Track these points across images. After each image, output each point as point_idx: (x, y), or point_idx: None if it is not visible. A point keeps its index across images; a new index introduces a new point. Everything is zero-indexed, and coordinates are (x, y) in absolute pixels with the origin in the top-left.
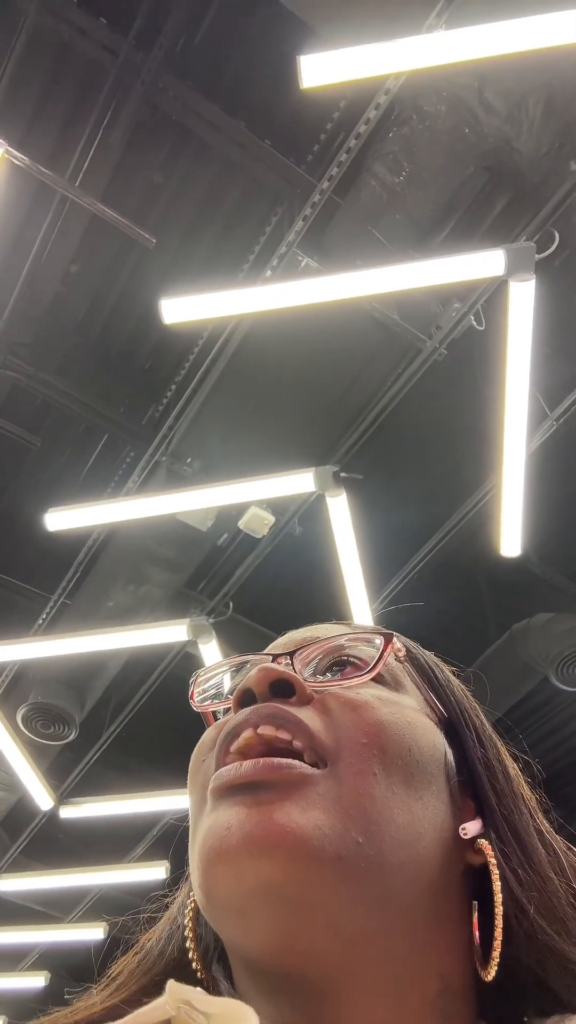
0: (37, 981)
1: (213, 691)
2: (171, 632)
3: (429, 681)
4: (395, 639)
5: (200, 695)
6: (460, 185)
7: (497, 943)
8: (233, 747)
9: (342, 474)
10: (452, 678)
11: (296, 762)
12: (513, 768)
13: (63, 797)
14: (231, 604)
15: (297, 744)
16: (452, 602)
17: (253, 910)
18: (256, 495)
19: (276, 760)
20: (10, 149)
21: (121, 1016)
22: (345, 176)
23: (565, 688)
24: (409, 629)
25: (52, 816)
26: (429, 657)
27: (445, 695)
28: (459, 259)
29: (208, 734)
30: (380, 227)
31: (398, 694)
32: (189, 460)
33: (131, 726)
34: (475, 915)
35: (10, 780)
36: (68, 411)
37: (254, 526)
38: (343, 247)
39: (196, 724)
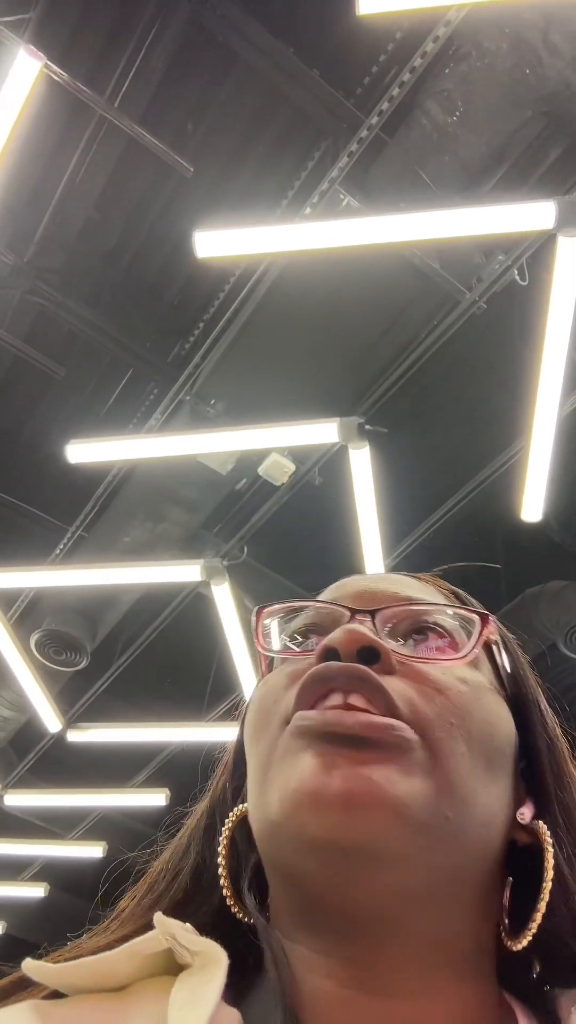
0: (37, 891)
1: (272, 628)
2: (185, 571)
3: (505, 657)
4: (491, 622)
5: (263, 633)
6: (515, 130)
7: (539, 915)
8: (326, 703)
9: (367, 426)
10: (522, 655)
11: (399, 723)
12: (566, 747)
13: (71, 721)
14: (246, 549)
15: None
16: (466, 561)
17: (335, 860)
18: (278, 442)
19: (379, 719)
20: (49, 63)
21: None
22: (395, 112)
23: (573, 656)
24: None
25: (59, 739)
26: (504, 631)
27: (519, 675)
28: (507, 208)
29: (277, 680)
30: (427, 169)
31: (477, 672)
32: (213, 401)
33: (140, 659)
34: (507, 889)
35: (21, 702)
36: (94, 342)
37: (274, 473)
38: (387, 188)
39: (202, 662)
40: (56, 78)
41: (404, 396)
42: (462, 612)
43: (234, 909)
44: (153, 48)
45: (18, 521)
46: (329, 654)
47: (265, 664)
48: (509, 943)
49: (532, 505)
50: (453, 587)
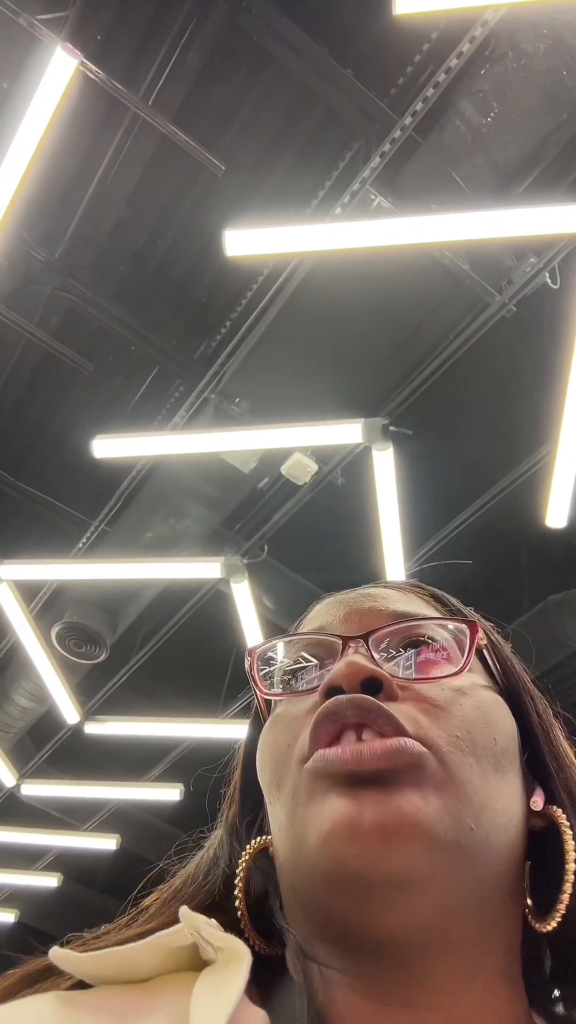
0: (50, 881)
1: (267, 666)
2: (205, 568)
3: (493, 654)
4: (479, 629)
5: (261, 671)
6: (550, 132)
7: (566, 896)
8: (341, 742)
9: (391, 428)
10: (505, 644)
11: (408, 741)
12: (560, 730)
13: (89, 713)
14: (266, 547)
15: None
16: (488, 568)
17: (377, 892)
18: (301, 441)
19: (391, 742)
20: (85, 61)
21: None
22: (429, 113)
23: None
24: (440, 589)
25: (77, 730)
26: (485, 624)
27: (507, 667)
28: (540, 211)
29: (285, 724)
30: (460, 170)
31: (471, 674)
32: (238, 400)
33: (159, 654)
34: (527, 873)
35: (40, 692)
36: (122, 339)
37: (296, 472)
38: (419, 189)
39: (219, 659)
40: (92, 76)
41: (430, 398)
42: (450, 623)
43: (251, 942)
44: (188, 47)
45: (43, 514)
46: (333, 691)
47: (264, 705)
48: (537, 925)
49: (557, 512)
50: (433, 590)
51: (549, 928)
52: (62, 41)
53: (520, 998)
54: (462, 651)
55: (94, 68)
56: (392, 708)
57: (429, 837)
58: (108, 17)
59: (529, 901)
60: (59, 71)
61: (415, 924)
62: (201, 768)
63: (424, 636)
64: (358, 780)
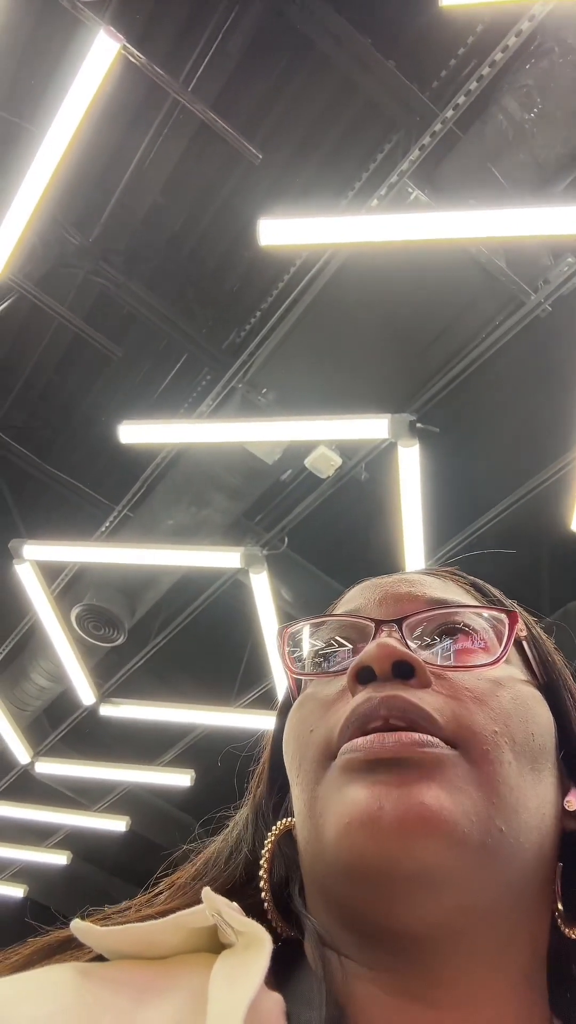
0: (60, 859)
1: (296, 647)
2: (225, 558)
3: (533, 647)
4: (519, 619)
5: (292, 651)
6: None
7: None
8: (368, 726)
9: (418, 424)
10: (548, 640)
11: (435, 739)
12: None
13: (105, 695)
14: (286, 540)
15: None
16: (509, 572)
17: (395, 887)
18: (327, 435)
19: (417, 736)
20: (127, 45)
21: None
22: (471, 107)
23: None
24: None
25: (92, 711)
26: (528, 618)
27: (548, 661)
28: None
29: (311, 706)
30: (500, 166)
31: (509, 666)
32: (265, 391)
33: (176, 640)
34: (559, 875)
35: (58, 672)
36: (152, 326)
37: (320, 465)
38: (457, 183)
39: (235, 648)
40: (133, 60)
41: (459, 396)
42: (487, 611)
43: (274, 924)
44: (230, 34)
45: (67, 497)
46: (363, 672)
47: (294, 685)
48: (567, 930)
49: None
50: (472, 579)
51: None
52: (105, 24)
53: (543, 1005)
54: (500, 641)
55: (136, 52)
56: (425, 698)
57: (452, 835)
58: (150, 2)
59: (560, 906)
60: (101, 54)
61: (435, 921)
62: (217, 755)
63: (461, 624)
64: (379, 767)
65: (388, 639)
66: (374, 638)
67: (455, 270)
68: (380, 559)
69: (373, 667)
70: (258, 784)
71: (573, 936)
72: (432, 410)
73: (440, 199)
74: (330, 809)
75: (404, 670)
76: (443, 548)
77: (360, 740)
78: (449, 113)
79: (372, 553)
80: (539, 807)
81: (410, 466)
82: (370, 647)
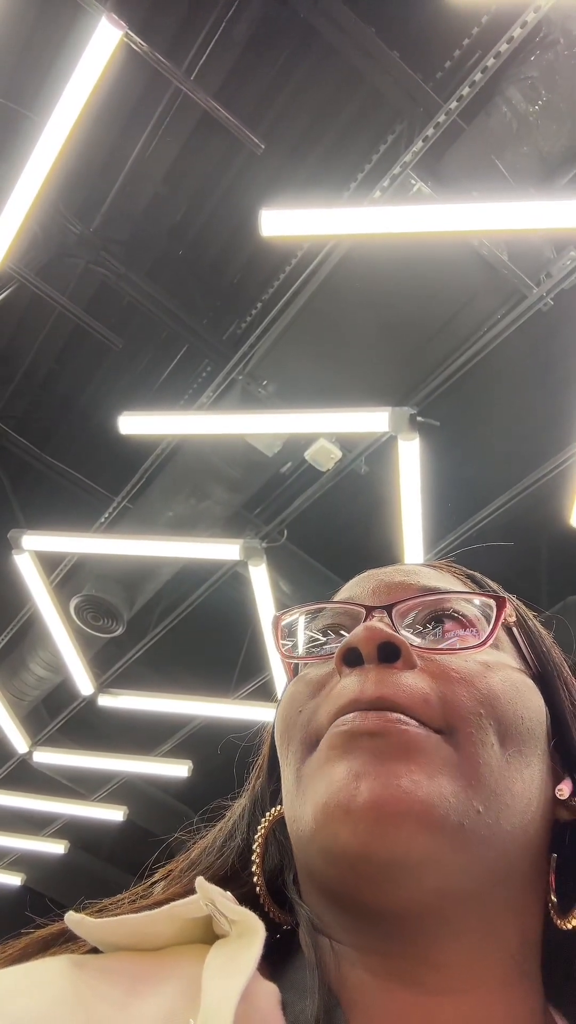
0: (57, 848)
1: (290, 634)
2: (224, 550)
3: (525, 636)
4: (507, 605)
5: (284, 639)
6: None
7: None
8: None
9: (419, 418)
10: (542, 628)
11: (415, 720)
12: None
13: (103, 686)
14: (286, 532)
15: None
16: (507, 565)
17: (372, 871)
18: (327, 427)
19: (398, 715)
20: (130, 33)
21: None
22: (476, 98)
23: None
24: None
25: (90, 702)
26: (523, 608)
27: (542, 650)
28: None
29: (299, 688)
30: (504, 158)
31: (500, 652)
32: (265, 383)
33: (174, 632)
34: (553, 866)
35: (56, 662)
36: (152, 316)
37: (320, 458)
38: (461, 175)
39: (234, 640)
40: (136, 48)
41: (459, 390)
42: (477, 597)
43: (266, 908)
44: (233, 23)
45: (67, 487)
46: (350, 654)
47: (290, 670)
48: (559, 921)
49: None
50: (468, 571)
51: (570, 925)
52: (107, 11)
53: (536, 993)
54: (490, 626)
55: (138, 40)
56: (409, 679)
57: (428, 818)
58: None
59: (554, 897)
60: (103, 42)
61: (415, 904)
62: (215, 746)
63: (452, 611)
64: (361, 735)
65: (376, 623)
66: (363, 623)
67: (457, 263)
68: (379, 552)
69: (360, 648)
70: (258, 776)
71: (565, 927)
72: (432, 404)
73: (443, 191)
74: (311, 788)
75: (390, 652)
76: (442, 542)
77: (344, 717)
78: (453, 104)
79: (371, 546)
80: (524, 792)
81: (410, 460)
82: (357, 630)
